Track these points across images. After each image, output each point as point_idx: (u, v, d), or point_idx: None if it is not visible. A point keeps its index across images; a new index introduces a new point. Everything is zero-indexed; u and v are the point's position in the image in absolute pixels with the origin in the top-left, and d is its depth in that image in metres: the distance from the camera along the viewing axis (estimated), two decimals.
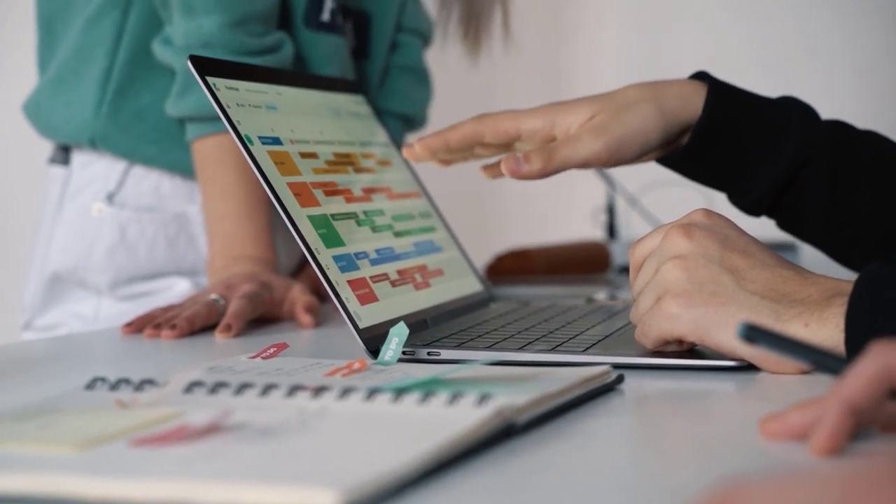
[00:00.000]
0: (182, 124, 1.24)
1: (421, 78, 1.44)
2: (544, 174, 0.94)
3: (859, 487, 0.33)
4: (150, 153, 1.27)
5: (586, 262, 1.60)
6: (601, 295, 1.26)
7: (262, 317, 1.09)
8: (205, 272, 1.28)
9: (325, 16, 1.28)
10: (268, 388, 0.63)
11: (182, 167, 1.27)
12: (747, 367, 0.77)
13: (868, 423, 0.55)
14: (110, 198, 1.28)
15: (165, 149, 1.27)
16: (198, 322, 1.02)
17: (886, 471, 0.33)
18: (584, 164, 0.95)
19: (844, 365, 0.55)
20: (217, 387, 0.64)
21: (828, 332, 0.72)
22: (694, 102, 0.96)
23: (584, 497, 0.50)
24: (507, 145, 1.00)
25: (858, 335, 0.70)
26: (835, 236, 0.99)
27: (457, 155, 1.01)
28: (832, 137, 0.97)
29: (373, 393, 0.61)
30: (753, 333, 0.58)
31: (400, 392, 0.61)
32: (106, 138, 1.27)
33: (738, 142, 0.97)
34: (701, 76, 0.99)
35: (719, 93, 0.97)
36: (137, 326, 1.03)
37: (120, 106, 1.26)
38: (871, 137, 0.99)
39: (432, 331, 0.92)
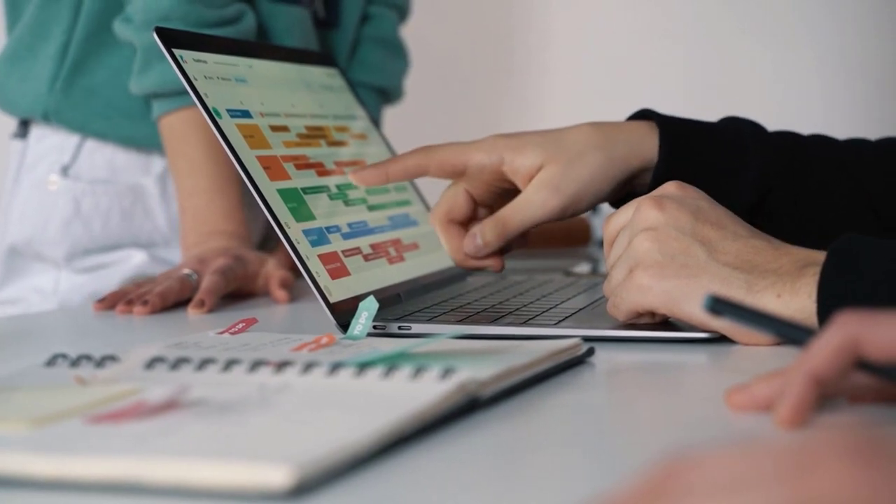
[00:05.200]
0: (144, 102, 1.24)
1: (394, 50, 1.42)
2: (501, 244, 0.92)
3: (807, 460, 0.32)
4: (101, 128, 1.28)
5: (568, 236, 1.59)
6: (582, 268, 1.25)
7: (237, 292, 1.08)
8: (161, 244, 1.29)
9: None
10: (230, 364, 0.62)
11: (135, 141, 1.28)
12: (719, 339, 0.76)
13: (834, 394, 0.55)
14: (65, 170, 1.28)
15: (117, 124, 1.27)
16: (170, 298, 1.01)
17: (836, 444, 0.32)
18: (537, 224, 0.92)
19: (810, 336, 0.54)
20: (178, 362, 0.63)
21: (800, 302, 0.71)
22: (645, 146, 0.92)
23: (544, 470, 0.49)
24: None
25: (830, 305, 0.69)
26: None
27: None
28: (787, 157, 0.94)
29: (336, 367, 0.60)
30: (719, 305, 0.57)
31: (363, 366, 0.60)
32: (58, 112, 1.27)
33: (697, 181, 0.93)
34: (646, 115, 0.94)
35: (671, 133, 0.92)
36: (109, 303, 1.02)
37: (74, 82, 1.27)
38: (821, 146, 0.96)
39: (405, 305, 0.91)
